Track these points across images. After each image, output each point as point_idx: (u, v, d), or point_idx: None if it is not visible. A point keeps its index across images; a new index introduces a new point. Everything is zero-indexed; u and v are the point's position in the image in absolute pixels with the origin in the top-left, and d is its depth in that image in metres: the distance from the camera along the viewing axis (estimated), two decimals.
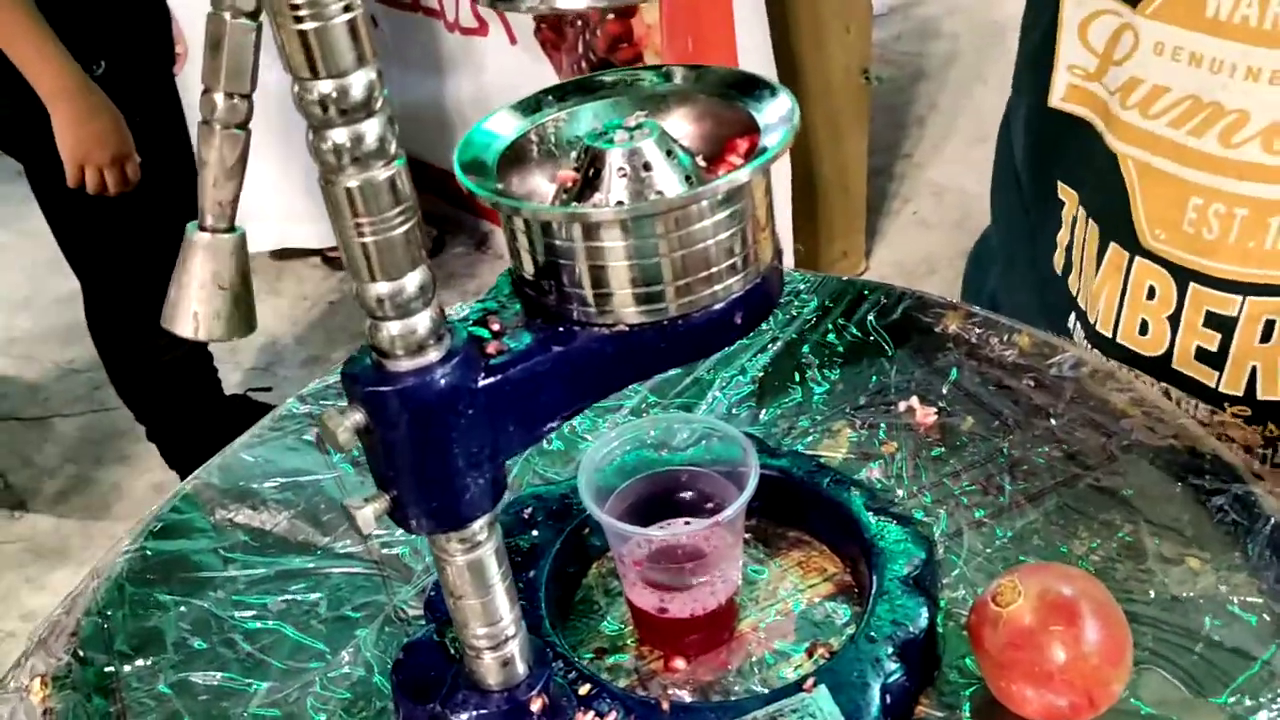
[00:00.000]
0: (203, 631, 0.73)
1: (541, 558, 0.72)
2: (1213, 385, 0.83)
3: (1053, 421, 0.81)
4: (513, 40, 2.33)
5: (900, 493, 0.79)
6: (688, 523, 0.72)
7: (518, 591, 0.59)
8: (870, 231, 2.56)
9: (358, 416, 0.50)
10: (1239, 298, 0.79)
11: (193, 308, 0.50)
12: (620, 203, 0.53)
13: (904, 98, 3.11)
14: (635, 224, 0.50)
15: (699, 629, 0.69)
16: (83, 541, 2.18)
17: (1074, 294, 0.92)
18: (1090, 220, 0.86)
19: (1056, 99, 0.87)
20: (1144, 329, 0.83)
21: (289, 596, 0.75)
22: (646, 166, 0.53)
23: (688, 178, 0.53)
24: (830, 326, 0.93)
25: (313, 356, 2.56)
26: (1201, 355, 0.81)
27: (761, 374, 0.90)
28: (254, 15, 0.45)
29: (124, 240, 1.70)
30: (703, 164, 0.56)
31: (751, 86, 0.56)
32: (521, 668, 0.59)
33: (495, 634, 0.58)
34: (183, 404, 1.93)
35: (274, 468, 0.85)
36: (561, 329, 0.53)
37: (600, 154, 0.53)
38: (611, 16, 2.12)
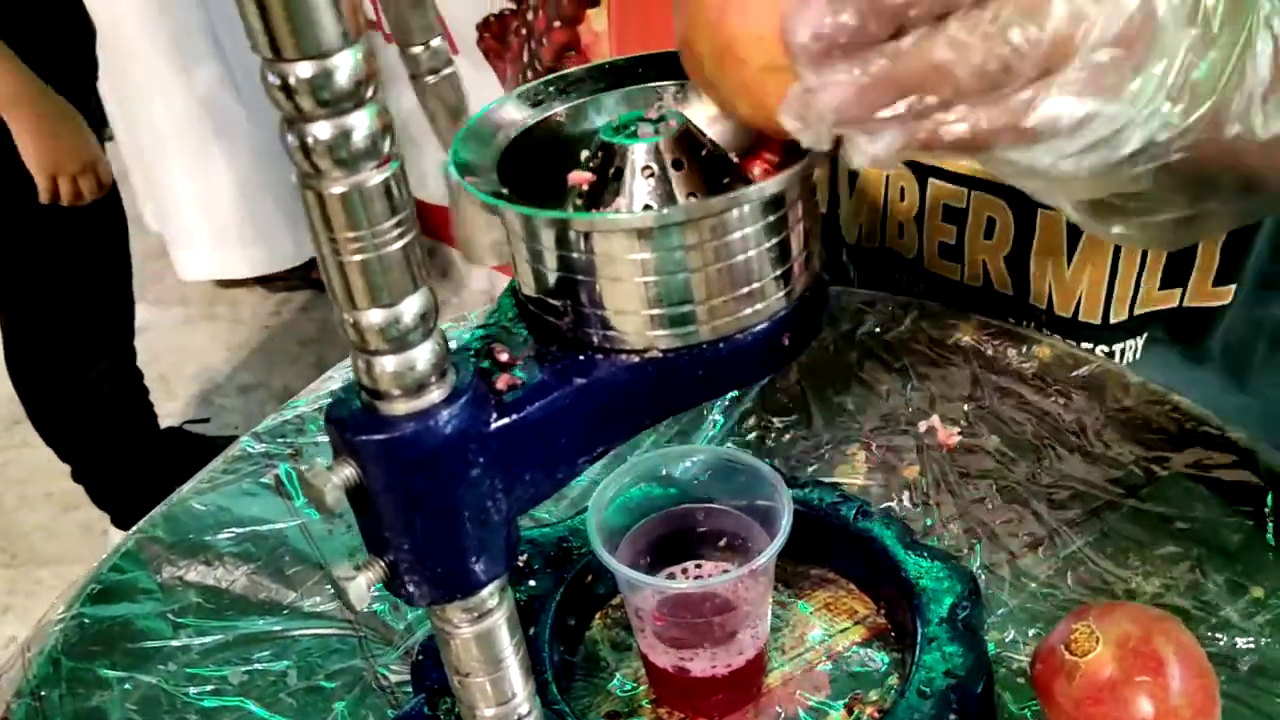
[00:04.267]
0: (152, 712, 0.63)
1: (542, 611, 0.64)
2: (956, 279, 0.87)
3: (1086, 439, 0.75)
4: (454, 50, 2.25)
5: (927, 521, 0.72)
6: (699, 567, 0.64)
7: None
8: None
9: (347, 471, 0.41)
10: (965, 190, 0.82)
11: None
12: (649, 206, 0.45)
13: None
14: (670, 232, 0.43)
15: (725, 688, 0.61)
16: (6, 587, 2.05)
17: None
18: None
19: None
20: (901, 232, 0.88)
21: (252, 666, 0.66)
22: (676, 164, 0.45)
23: (724, 179, 0.46)
24: (832, 341, 0.86)
25: (251, 383, 2.44)
26: (944, 251, 0.86)
27: (762, 396, 0.82)
28: None
29: (46, 266, 1.58)
30: (734, 160, 0.48)
31: None
32: None
33: (508, 714, 0.49)
34: (114, 442, 1.81)
35: (228, 516, 0.75)
36: (582, 357, 0.45)
37: (620, 150, 0.45)
38: (558, 24, 2.05)
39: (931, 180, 0.84)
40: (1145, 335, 0.83)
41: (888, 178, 0.86)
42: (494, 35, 2.19)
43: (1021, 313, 0.85)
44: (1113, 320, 0.82)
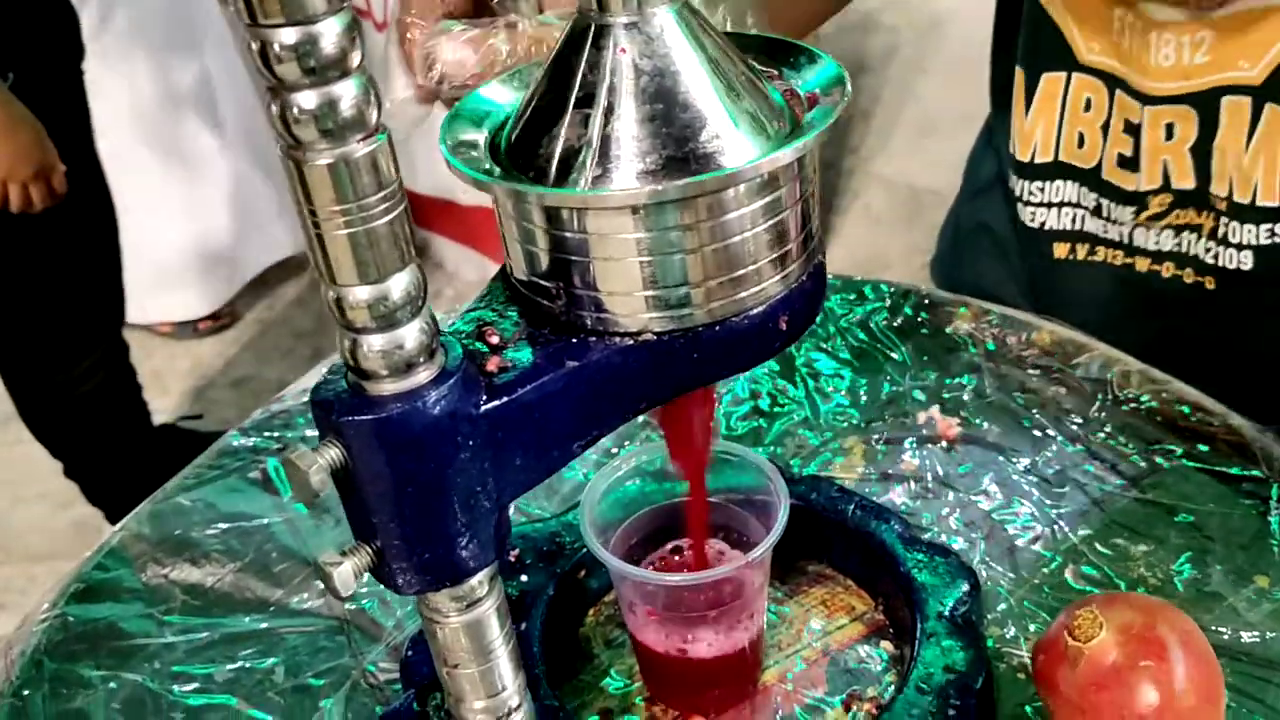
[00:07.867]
0: (137, 712, 0.62)
1: (534, 606, 0.62)
2: (1133, 188, 0.88)
3: (1087, 429, 0.74)
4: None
5: (926, 515, 0.70)
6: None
7: None
8: (823, 227, 2.51)
9: (333, 453, 0.40)
10: (1141, 106, 0.84)
11: None
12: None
13: None
14: (665, 210, 0.41)
15: (720, 680, 0.60)
16: (0, 585, 2.03)
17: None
18: (1025, 70, 0.91)
19: None
20: (1080, 141, 0.89)
21: (238, 664, 0.64)
22: None
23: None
24: (833, 330, 0.85)
25: (244, 377, 2.42)
26: (1122, 161, 0.88)
27: (760, 388, 0.81)
28: None
29: (32, 259, 1.56)
30: None
31: (786, 54, 0.48)
32: None
33: (497, 707, 0.48)
34: (105, 439, 1.79)
35: (214, 512, 0.74)
36: (574, 340, 0.44)
37: None
38: None
39: (1118, 92, 0.86)
40: None
41: (1068, 88, 0.88)
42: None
43: (1201, 201, 0.85)
44: None
